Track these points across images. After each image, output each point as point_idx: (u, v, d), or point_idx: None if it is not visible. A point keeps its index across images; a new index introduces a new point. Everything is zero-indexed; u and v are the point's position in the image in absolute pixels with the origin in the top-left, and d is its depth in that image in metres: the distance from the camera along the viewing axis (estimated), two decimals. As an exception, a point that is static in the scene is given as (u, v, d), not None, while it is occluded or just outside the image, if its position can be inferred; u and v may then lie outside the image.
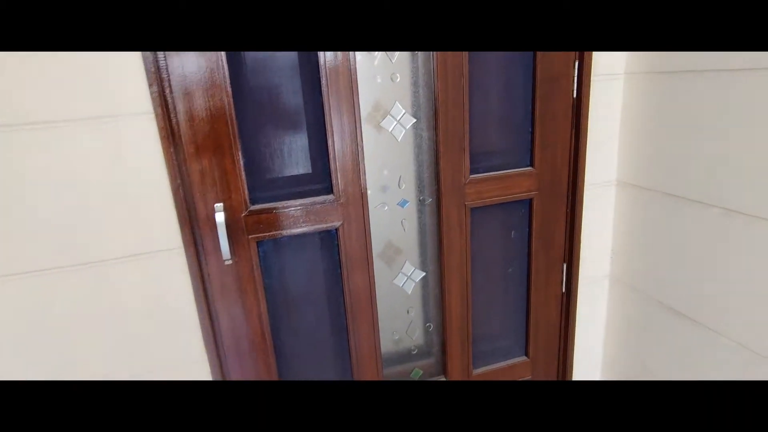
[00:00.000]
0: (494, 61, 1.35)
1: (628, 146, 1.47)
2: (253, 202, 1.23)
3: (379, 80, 1.27)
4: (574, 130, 1.46)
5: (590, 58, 1.38)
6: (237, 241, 1.23)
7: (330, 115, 1.22)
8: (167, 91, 1.09)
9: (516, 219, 1.52)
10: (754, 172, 1.11)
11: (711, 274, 1.26)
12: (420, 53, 1.29)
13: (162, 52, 1.06)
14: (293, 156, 1.25)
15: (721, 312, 1.25)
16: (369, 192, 1.32)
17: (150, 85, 1.05)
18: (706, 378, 1.33)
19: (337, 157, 1.25)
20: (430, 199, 1.41)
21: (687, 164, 1.28)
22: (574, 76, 1.41)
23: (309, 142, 1.25)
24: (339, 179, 1.27)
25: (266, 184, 1.25)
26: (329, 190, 1.29)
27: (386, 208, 1.38)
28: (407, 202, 1.39)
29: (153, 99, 1.06)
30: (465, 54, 1.28)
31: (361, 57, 1.24)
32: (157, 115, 1.08)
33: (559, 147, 1.47)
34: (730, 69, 1.13)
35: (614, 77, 1.43)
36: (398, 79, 1.28)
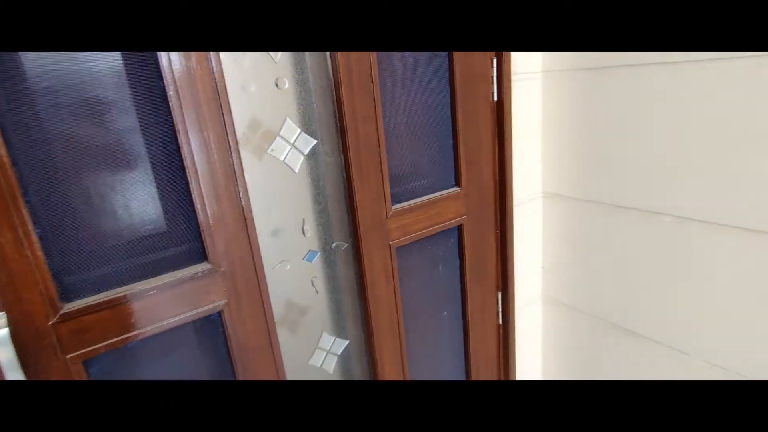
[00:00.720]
0: (405, 61, 1.06)
1: (552, 154, 1.31)
2: (67, 298, 0.74)
3: (253, 89, 0.88)
4: (497, 139, 1.25)
5: (509, 56, 1.17)
6: (44, 368, 0.73)
7: (189, 144, 0.79)
8: None
9: (445, 251, 1.25)
10: (699, 173, 1.00)
11: (654, 285, 1.14)
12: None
13: None
14: (132, 209, 0.79)
15: (668, 324, 1.14)
16: (262, 248, 0.91)
17: None
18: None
19: (207, 206, 0.83)
20: (345, 245, 1.06)
21: (620, 169, 1.15)
22: (492, 77, 1.19)
23: (157, 187, 0.81)
24: (214, 237, 0.84)
25: (89, 263, 0.76)
26: (201, 255, 0.85)
27: (288, 266, 0.98)
28: (316, 253, 1.01)
29: None
30: (372, 52, 0.97)
31: (226, 55, 0.83)
32: None
33: (483, 160, 1.24)
34: (661, 62, 1.01)
35: (532, 77, 1.25)
36: (286, 86, 0.91)
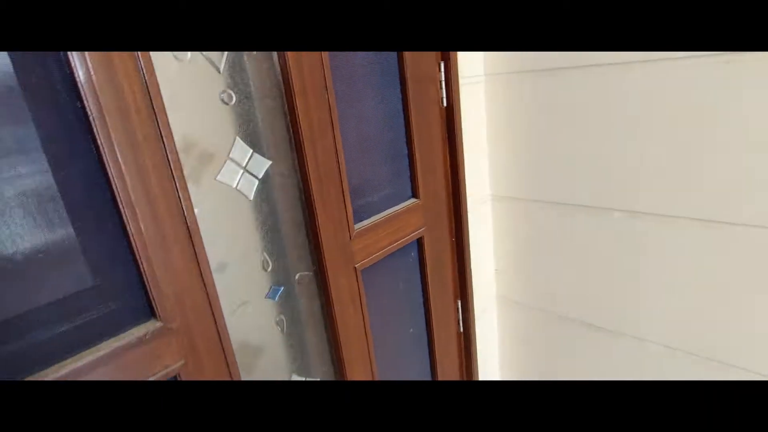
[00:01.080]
0: (356, 67, 0.98)
1: (499, 156, 1.31)
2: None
3: (191, 104, 0.74)
4: (449, 145, 1.21)
5: (456, 59, 1.14)
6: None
7: (121, 175, 0.63)
8: None
9: (407, 266, 1.19)
10: (647, 169, 1.05)
11: (607, 277, 1.19)
12: (251, 57, 0.80)
13: None
14: (53, 265, 0.61)
15: (623, 313, 1.20)
16: (219, 291, 0.77)
17: None
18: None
19: (150, 249, 0.67)
20: (309, 274, 0.95)
21: (566, 168, 1.18)
22: (441, 81, 1.15)
23: (83, 232, 0.63)
24: (162, 288, 0.69)
25: (-6, 344, 0.57)
26: (147, 311, 0.69)
27: (250, 308, 0.85)
28: (279, 289, 0.89)
29: None
30: (325, 58, 0.87)
31: (159, 65, 0.68)
32: None
33: (437, 168, 1.20)
34: (604, 64, 1.04)
35: (477, 80, 1.23)
36: (233, 100, 0.77)
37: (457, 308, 1.36)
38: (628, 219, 1.11)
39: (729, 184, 0.95)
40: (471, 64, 1.19)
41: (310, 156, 0.87)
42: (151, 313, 0.69)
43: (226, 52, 0.75)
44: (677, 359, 1.13)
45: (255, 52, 0.79)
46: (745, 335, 1.02)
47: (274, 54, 0.81)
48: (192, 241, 0.71)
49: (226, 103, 0.76)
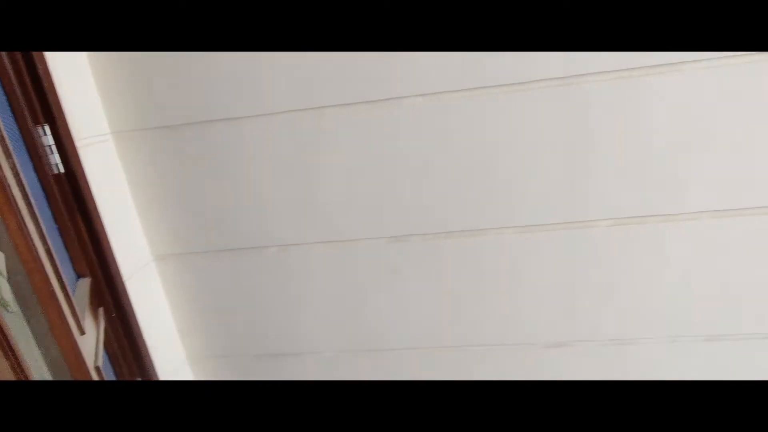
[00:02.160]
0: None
1: (151, 215, 1.22)
2: None
3: None
4: (81, 215, 1.05)
5: (64, 120, 1.01)
6: None
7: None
8: None
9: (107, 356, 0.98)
10: (288, 207, 1.19)
11: (285, 306, 1.31)
12: None
13: None
14: None
15: (295, 335, 1.33)
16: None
17: None
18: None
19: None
20: (70, 396, 0.67)
21: (219, 216, 1.22)
22: (50, 146, 0.98)
23: None
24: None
25: None
26: None
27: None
28: None
29: None
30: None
31: None
32: None
33: (83, 241, 1.03)
34: (210, 120, 1.13)
35: (102, 139, 1.12)
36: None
37: (143, 389, 1.21)
38: (281, 252, 1.24)
39: (341, 209, 1.18)
40: (92, 123, 1.08)
41: (22, 239, 0.64)
42: None
43: None
44: (345, 360, 1.35)
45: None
46: (380, 324, 1.29)
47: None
48: None
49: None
